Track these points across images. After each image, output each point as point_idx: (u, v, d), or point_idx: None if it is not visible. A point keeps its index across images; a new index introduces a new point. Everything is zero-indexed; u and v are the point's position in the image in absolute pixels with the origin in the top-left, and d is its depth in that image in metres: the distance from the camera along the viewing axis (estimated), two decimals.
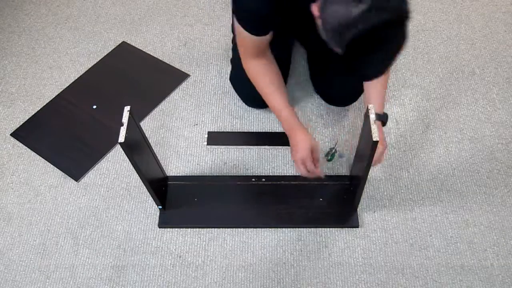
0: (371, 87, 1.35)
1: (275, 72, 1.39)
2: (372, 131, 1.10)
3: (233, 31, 1.58)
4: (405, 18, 0.92)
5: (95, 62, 1.79)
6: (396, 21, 0.91)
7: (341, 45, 0.94)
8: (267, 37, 1.31)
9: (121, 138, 1.09)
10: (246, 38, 1.29)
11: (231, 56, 1.76)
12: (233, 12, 1.30)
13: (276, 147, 1.55)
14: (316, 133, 1.58)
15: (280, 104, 1.37)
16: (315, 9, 1.01)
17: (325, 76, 1.59)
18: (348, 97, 1.62)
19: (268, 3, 1.20)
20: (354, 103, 1.63)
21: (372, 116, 1.11)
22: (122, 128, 1.10)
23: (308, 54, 1.65)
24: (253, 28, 1.28)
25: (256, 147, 1.56)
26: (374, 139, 1.09)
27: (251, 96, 1.61)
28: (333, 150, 1.52)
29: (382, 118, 1.34)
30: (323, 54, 1.54)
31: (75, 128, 1.61)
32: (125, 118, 1.12)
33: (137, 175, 1.23)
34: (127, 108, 1.13)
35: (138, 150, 1.20)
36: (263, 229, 1.39)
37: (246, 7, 1.23)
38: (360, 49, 0.94)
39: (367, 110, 1.13)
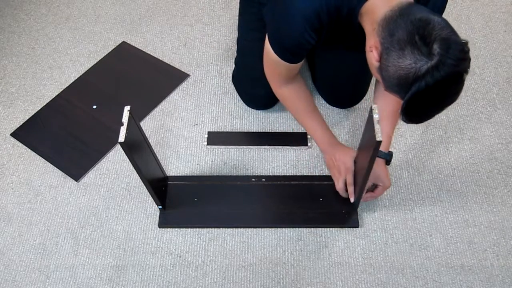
0: (382, 121, 1.32)
1: (308, 95, 1.38)
2: (376, 131, 1.09)
3: (240, 33, 1.57)
4: (465, 72, 0.91)
5: (95, 62, 1.79)
6: (457, 75, 0.90)
7: (406, 95, 0.93)
8: (302, 62, 1.28)
9: (121, 138, 1.09)
10: (281, 66, 1.25)
11: (233, 56, 1.77)
12: (269, 42, 1.22)
13: (276, 147, 1.55)
14: None
15: (316, 127, 1.38)
16: (372, 57, 0.99)
17: (330, 78, 1.59)
18: (352, 98, 1.62)
19: (316, 34, 1.14)
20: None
21: (376, 116, 1.11)
22: (122, 128, 1.10)
23: (316, 57, 1.63)
24: (292, 58, 1.23)
25: (256, 147, 1.56)
26: (378, 139, 1.08)
27: (252, 97, 1.61)
28: None
29: (387, 157, 1.32)
30: (333, 59, 1.53)
31: (75, 128, 1.61)
32: (125, 118, 1.12)
33: (137, 175, 1.23)
34: (127, 108, 1.13)
35: (138, 150, 1.20)
36: (263, 229, 1.39)
37: (293, 41, 1.16)
38: (422, 101, 0.93)
39: (371, 110, 1.13)
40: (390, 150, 1.34)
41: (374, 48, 0.98)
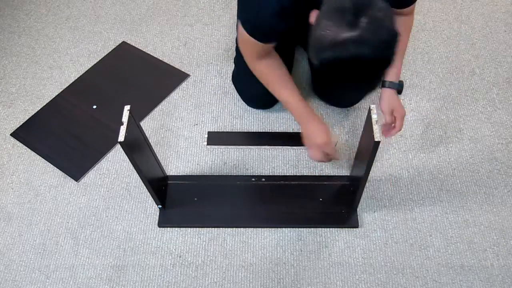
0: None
1: (283, 68, 1.39)
2: (374, 132, 1.09)
3: (237, 30, 1.57)
4: (387, 62, 0.89)
5: (95, 62, 1.79)
6: (378, 61, 0.89)
7: (317, 59, 0.92)
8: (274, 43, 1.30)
9: (121, 138, 1.09)
10: (253, 45, 1.28)
11: (233, 56, 1.77)
12: (241, 21, 1.26)
13: (276, 147, 1.55)
14: None
15: (290, 95, 1.37)
16: (312, 16, 1.01)
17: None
18: (351, 99, 1.62)
19: (286, 21, 1.17)
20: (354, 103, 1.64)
21: (374, 117, 1.11)
22: (122, 127, 1.10)
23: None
24: (264, 39, 1.26)
25: (256, 147, 1.56)
26: (376, 140, 1.09)
27: (252, 96, 1.61)
28: None
29: (398, 87, 1.36)
30: None
31: (75, 128, 1.61)
32: (125, 117, 1.12)
33: (137, 175, 1.23)
34: (127, 108, 1.14)
35: (138, 149, 1.20)
36: (263, 229, 1.39)
37: (262, 24, 1.19)
38: (336, 74, 0.93)
39: (369, 110, 1.13)
40: (400, 80, 1.37)
41: (315, 10, 0.99)
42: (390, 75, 1.37)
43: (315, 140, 1.35)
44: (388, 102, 1.36)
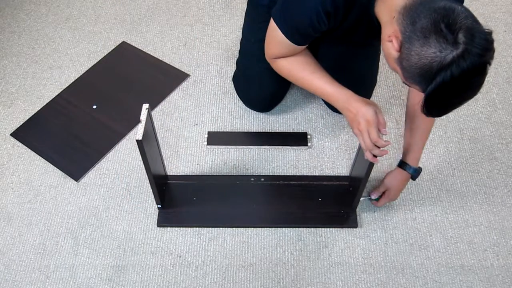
0: (416, 132, 1.30)
1: (309, 56, 1.28)
2: None
3: (243, 33, 1.55)
4: (488, 64, 0.88)
5: (95, 62, 1.79)
6: (482, 66, 0.87)
7: (423, 87, 0.90)
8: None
9: (139, 136, 1.09)
10: (284, 47, 1.21)
11: (233, 56, 1.77)
12: (278, 21, 1.18)
13: (276, 147, 1.55)
14: (316, 133, 1.58)
15: (326, 81, 1.23)
16: (390, 46, 0.95)
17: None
18: None
19: (328, 18, 1.11)
20: None
21: None
22: (140, 125, 1.11)
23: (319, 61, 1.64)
24: (300, 40, 1.19)
25: (256, 147, 1.56)
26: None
27: (252, 99, 1.61)
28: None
29: (413, 172, 1.32)
30: (337, 60, 1.51)
31: (75, 128, 1.61)
32: (143, 116, 1.13)
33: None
34: (145, 106, 1.15)
35: (149, 148, 1.21)
36: (263, 229, 1.39)
37: (304, 22, 1.13)
38: (445, 93, 0.89)
39: None
40: (419, 166, 1.34)
41: (393, 37, 0.94)
42: (410, 159, 1.33)
43: (363, 117, 1.13)
44: (390, 181, 1.35)
